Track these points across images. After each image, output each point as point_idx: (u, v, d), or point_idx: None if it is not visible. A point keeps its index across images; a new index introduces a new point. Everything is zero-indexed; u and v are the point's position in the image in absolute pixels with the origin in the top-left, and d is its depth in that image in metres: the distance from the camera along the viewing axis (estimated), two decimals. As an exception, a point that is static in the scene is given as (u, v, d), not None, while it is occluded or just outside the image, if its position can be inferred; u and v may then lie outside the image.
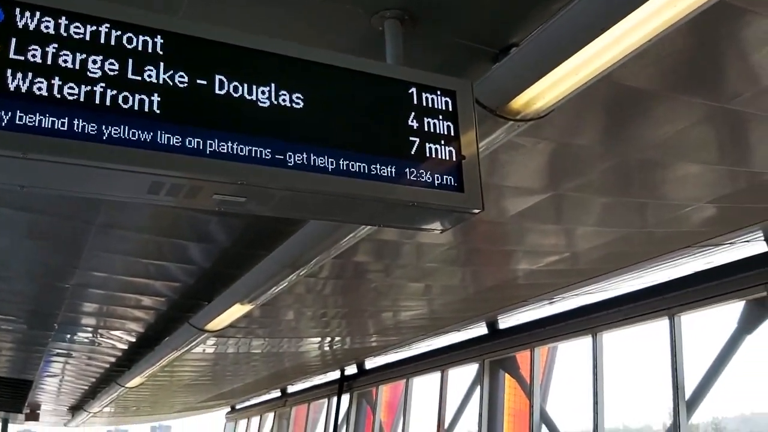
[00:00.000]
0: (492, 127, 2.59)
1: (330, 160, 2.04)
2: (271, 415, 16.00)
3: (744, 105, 3.13)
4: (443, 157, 2.21)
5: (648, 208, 4.63)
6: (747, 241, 5.40)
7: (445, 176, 2.20)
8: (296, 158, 2.00)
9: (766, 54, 2.72)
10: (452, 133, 2.24)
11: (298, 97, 2.07)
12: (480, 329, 8.88)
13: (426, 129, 2.20)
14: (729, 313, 5.94)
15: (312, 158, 2.02)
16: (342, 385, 12.16)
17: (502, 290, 6.84)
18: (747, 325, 5.81)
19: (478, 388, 8.73)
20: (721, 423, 9.28)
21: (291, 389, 14.95)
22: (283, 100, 2.05)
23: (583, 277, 6.31)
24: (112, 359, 9.40)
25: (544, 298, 7.26)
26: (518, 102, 2.47)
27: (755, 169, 3.99)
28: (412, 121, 2.19)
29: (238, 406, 18.41)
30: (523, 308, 7.80)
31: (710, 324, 6.46)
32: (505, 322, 8.59)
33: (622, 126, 3.45)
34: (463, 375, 9.33)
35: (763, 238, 5.38)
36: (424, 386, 10.29)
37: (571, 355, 8.23)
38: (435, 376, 9.75)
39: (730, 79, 2.99)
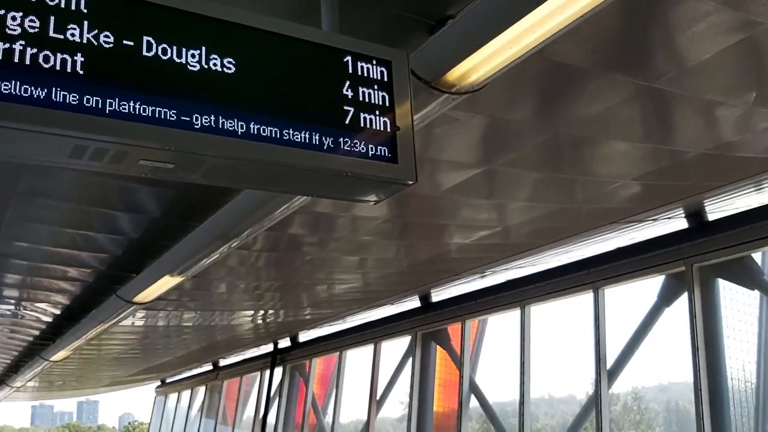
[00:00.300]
0: (427, 99, 2.60)
1: (265, 128, 2.00)
2: (202, 389, 15.87)
3: (669, 85, 3.23)
4: (378, 128, 2.19)
5: (577, 184, 4.76)
6: (669, 218, 5.63)
7: (379, 147, 2.19)
8: (229, 124, 1.95)
9: (690, 35, 2.82)
10: (387, 104, 2.22)
11: (229, 62, 2.01)
12: (413, 302, 9.00)
13: (361, 99, 2.18)
14: (650, 286, 6.22)
15: (245, 125, 1.97)
16: (275, 358, 12.15)
17: (435, 264, 6.93)
18: (666, 298, 6.08)
19: (410, 359, 8.87)
20: (640, 392, 9.73)
21: (223, 362, 14.84)
22: (214, 65, 2.00)
23: (513, 251, 6.46)
24: (36, 332, 9.11)
25: (476, 272, 7.40)
26: (453, 74, 2.48)
27: (678, 148, 4.15)
28: (346, 90, 2.16)
29: (168, 380, 18.18)
30: (456, 282, 7.94)
31: (632, 297, 6.73)
32: (438, 295, 8.73)
33: (554, 102, 3.52)
34: (395, 347, 9.47)
35: (683, 215, 5.62)
36: (358, 359, 10.40)
37: (500, 327, 8.45)
38: (368, 349, 9.85)
39: (656, 59, 3.07)
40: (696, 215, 5.57)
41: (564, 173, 4.55)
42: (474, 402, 8.02)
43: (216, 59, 2.01)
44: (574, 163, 4.40)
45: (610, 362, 6.26)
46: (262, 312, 9.21)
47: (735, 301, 5.52)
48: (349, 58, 2.20)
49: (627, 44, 2.94)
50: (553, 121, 3.72)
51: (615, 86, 3.28)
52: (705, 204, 5.40)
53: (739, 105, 3.53)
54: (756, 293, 5.54)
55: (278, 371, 12.12)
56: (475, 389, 7.99)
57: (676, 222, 5.74)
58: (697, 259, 5.55)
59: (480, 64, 2.42)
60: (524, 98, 3.47)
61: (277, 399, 12.00)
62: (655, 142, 4.07)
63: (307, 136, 2.06)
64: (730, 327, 5.47)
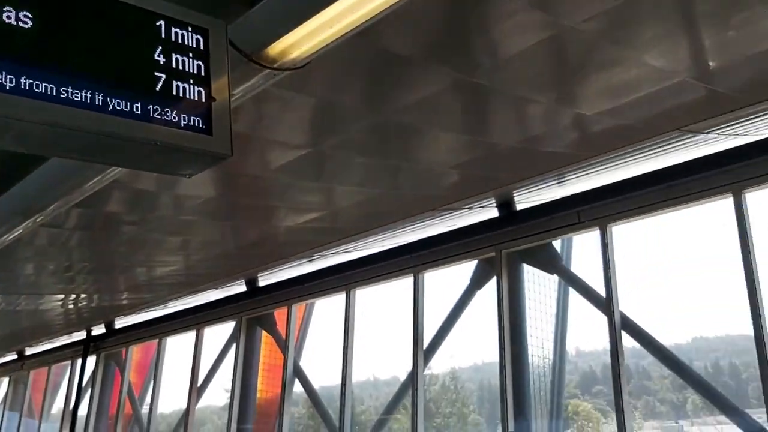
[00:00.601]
0: (248, 73, 2.55)
1: (39, 84, 1.84)
2: (5, 380, 14.64)
3: (484, 78, 3.42)
4: (191, 97, 2.12)
5: (401, 170, 4.91)
6: (483, 207, 5.99)
7: (192, 117, 2.12)
8: (24, 83, 1.80)
9: (500, 30, 3.00)
10: (202, 73, 2.15)
11: (25, 15, 1.85)
12: (239, 287, 8.87)
13: (174, 66, 2.09)
14: (464, 270, 6.60)
15: (15, 80, 1.80)
16: (88, 346, 11.46)
17: (263, 247, 6.86)
18: (477, 282, 6.49)
19: (234, 345, 8.75)
20: (457, 372, 10.33)
21: (30, 351, 13.77)
22: (8, 17, 1.83)
23: (341, 235, 6.55)
24: None
25: (304, 256, 7.42)
26: (274, 49, 2.44)
27: (491, 140, 4.41)
28: (158, 56, 2.07)
29: (-36, 372, 16.52)
30: (284, 266, 7.92)
31: (449, 280, 7.10)
32: (265, 279, 8.67)
33: (379, 87, 3.59)
34: (219, 333, 9.29)
35: (495, 204, 6.01)
36: (179, 345, 10.08)
37: (327, 311, 8.56)
38: (190, 335, 9.58)
39: (472, 51, 3.24)
40: (506, 205, 5.98)
41: (389, 159, 4.68)
42: (299, 387, 8.06)
43: (10, 11, 1.84)
44: (398, 149, 4.52)
45: (427, 343, 6.57)
46: (73, 296, 8.62)
47: (537, 284, 6.03)
48: (162, 22, 2.11)
49: (445, 35, 3.07)
50: (379, 107, 3.81)
51: (435, 76, 3.41)
52: (514, 195, 5.81)
53: (543, 102, 3.83)
54: (555, 277, 6.09)
55: (91, 360, 11.45)
56: (299, 373, 8.04)
57: (488, 211, 6.13)
58: (505, 246, 5.98)
59: (301, 41, 2.40)
60: (351, 81, 3.52)
61: (90, 389, 11.33)
62: (471, 133, 4.30)
63: (89, 96, 1.92)
64: (532, 308, 5.97)
